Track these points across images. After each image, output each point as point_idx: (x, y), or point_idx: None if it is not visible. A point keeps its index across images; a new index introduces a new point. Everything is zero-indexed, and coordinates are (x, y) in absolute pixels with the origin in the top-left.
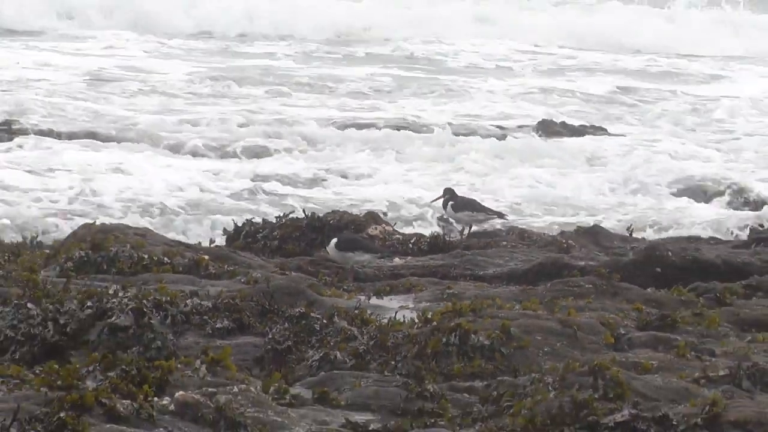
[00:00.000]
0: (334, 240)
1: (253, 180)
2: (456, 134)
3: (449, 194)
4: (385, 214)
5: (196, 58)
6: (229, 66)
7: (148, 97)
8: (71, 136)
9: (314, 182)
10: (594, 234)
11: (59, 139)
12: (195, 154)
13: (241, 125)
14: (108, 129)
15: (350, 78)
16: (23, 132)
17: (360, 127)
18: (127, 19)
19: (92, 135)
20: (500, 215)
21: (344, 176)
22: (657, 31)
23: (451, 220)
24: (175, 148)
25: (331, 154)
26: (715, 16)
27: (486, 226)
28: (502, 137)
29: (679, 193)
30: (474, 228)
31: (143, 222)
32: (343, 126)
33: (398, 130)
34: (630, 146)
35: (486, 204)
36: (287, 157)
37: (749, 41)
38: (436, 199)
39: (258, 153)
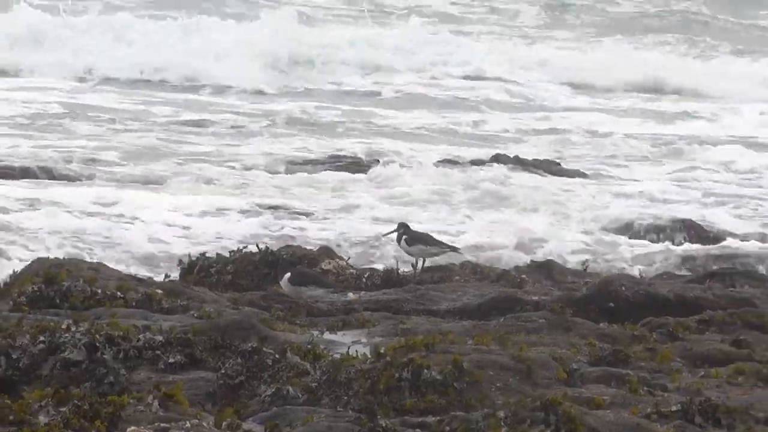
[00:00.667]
0: (287, 275)
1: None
2: None
3: (403, 228)
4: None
5: None
6: None
7: None
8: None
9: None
10: (548, 268)
11: None
12: None
13: None
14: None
15: None
16: None
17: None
18: None
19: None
20: (454, 249)
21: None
22: None
23: (405, 254)
24: None
25: None
26: None
27: (439, 260)
28: None
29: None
30: (428, 263)
31: None
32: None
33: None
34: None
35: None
36: None
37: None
38: (390, 233)
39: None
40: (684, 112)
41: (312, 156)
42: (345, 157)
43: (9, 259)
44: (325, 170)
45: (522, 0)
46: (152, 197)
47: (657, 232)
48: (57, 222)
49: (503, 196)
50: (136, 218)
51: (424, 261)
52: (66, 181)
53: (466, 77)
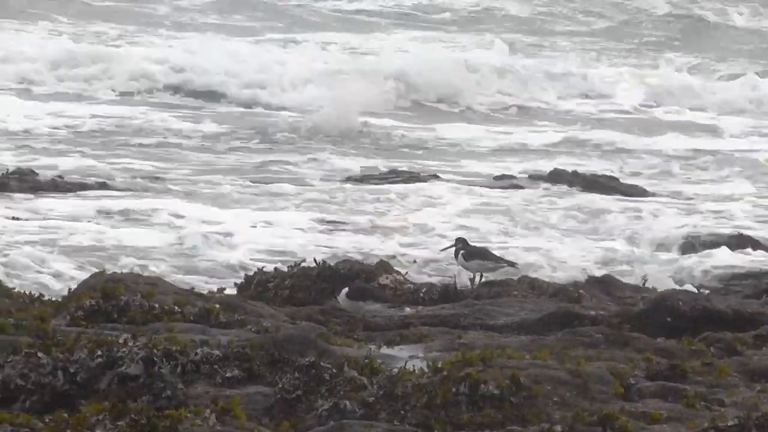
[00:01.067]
0: (345, 289)
1: None
2: None
3: (461, 243)
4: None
5: None
6: None
7: None
8: None
9: None
10: (605, 284)
11: None
12: None
13: None
14: None
15: None
16: None
17: None
18: None
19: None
20: (511, 264)
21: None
22: None
23: (462, 268)
24: None
25: None
26: None
27: (497, 275)
28: None
29: None
30: (485, 277)
31: None
32: None
33: None
34: None
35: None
36: None
37: None
38: (448, 248)
39: None
40: None
41: (378, 170)
42: (404, 171)
43: None
44: (388, 183)
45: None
46: (227, 213)
47: (714, 246)
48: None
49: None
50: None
51: (481, 276)
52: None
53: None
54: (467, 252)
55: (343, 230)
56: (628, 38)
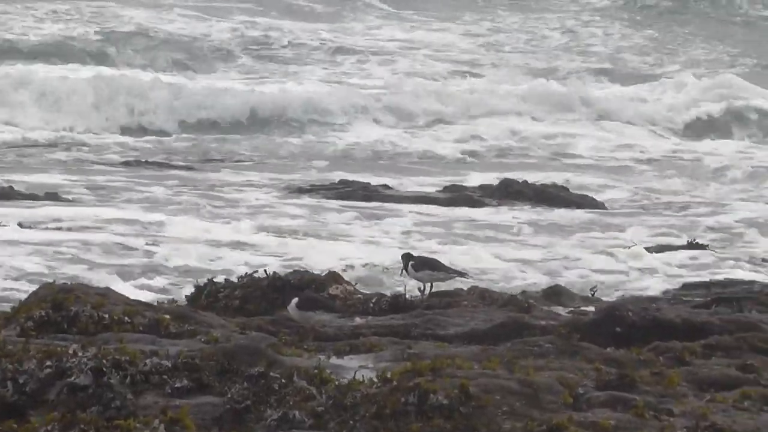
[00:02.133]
0: (295, 300)
1: None
2: None
3: (407, 258)
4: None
5: None
6: None
7: None
8: None
9: None
10: (556, 294)
11: None
12: None
13: None
14: None
15: None
16: None
17: None
18: None
19: None
20: (461, 274)
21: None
22: None
23: (412, 280)
24: None
25: None
26: None
27: (448, 284)
28: None
29: None
30: (436, 287)
31: None
32: None
33: None
34: None
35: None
36: None
37: None
38: (402, 270)
39: None
40: None
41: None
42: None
43: None
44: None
45: None
46: None
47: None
48: None
49: None
50: None
51: (431, 286)
52: None
53: None
54: (416, 262)
55: None
56: None
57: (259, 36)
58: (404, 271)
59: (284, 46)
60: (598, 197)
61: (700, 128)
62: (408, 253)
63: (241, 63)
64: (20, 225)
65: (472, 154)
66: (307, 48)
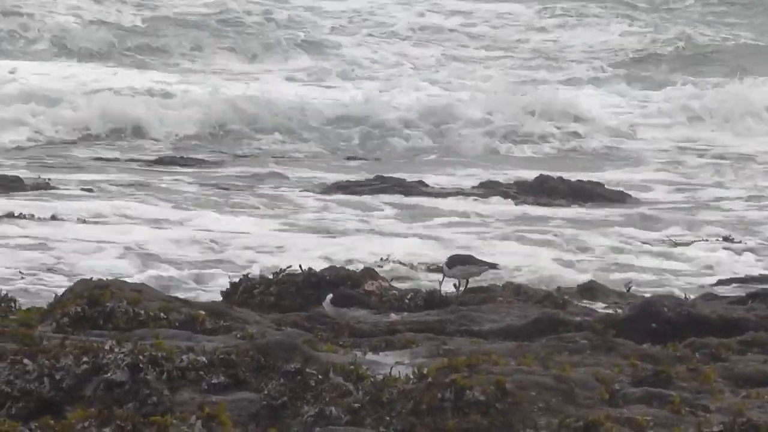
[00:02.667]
0: (330, 296)
1: None
2: None
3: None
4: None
5: None
6: None
7: None
8: None
9: None
10: (591, 290)
11: None
12: None
13: None
14: None
15: None
16: None
17: None
18: None
19: None
20: (493, 266)
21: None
22: None
23: (448, 278)
24: None
25: None
26: None
27: (482, 278)
28: None
29: None
30: (472, 283)
31: None
32: None
33: None
34: None
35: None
36: None
37: None
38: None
39: None
40: None
41: None
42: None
43: None
44: None
45: None
46: None
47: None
48: None
49: None
50: None
51: (467, 282)
52: None
53: None
54: (449, 260)
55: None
56: None
57: None
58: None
59: None
60: None
61: None
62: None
63: None
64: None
65: None
66: None
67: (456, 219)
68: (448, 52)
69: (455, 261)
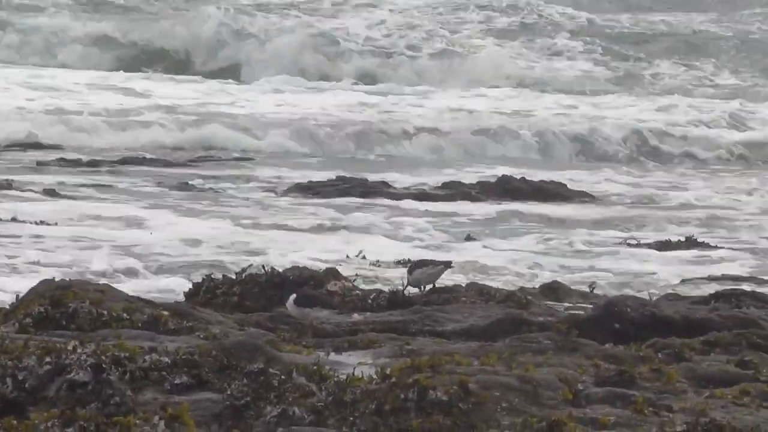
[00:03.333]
0: (293, 296)
1: None
2: None
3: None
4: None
5: None
6: None
7: None
8: None
9: None
10: (554, 290)
11: None
12: None
13: None
14: None
15: None
16: None
17: None
18: None
19: None
20: (447, 264)
21: None
22: None
23: (414, 288)
24: None
25: None
26: None
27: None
28: None
29: None
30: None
31: None
32: None
33: None
34: None
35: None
36: None
37: None
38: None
39: None
40: None
41: None
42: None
43: None
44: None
45: None
46: None
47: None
48: None
49: None
50: None
51: (433, 285)
52: None
53: None
54: (409, 267)
55: None
56: None
57: None
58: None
59: None
60: None
61: None
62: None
63: None
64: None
65: None
66: None
67: (420, 219)
68: None
69: (414, 266)
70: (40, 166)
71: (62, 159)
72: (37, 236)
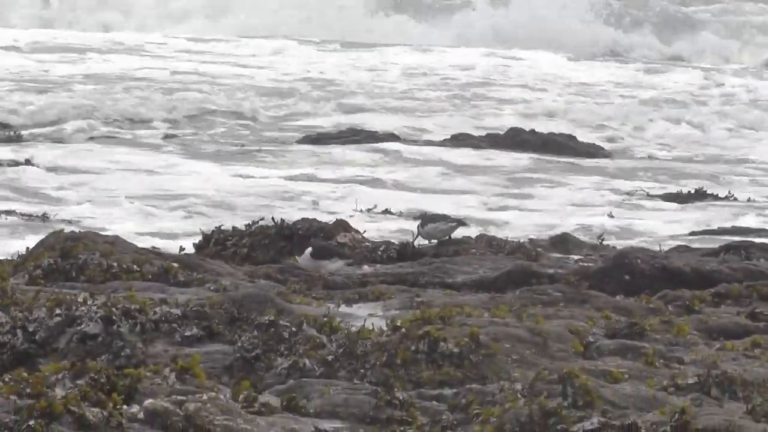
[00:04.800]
0: (309, 249)
1: None
2: None
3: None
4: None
5: None
6: None
7: None
8: None
9: None
10: (563, 242)
11: None
12: None
13: None
14: None
15: None
16: None
17: None
18: None
19: None
20: (461, 223)
21: None
22: None
23: (426, 241)
24: None
25: None
26: None
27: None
28: None
29: None
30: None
31: None
32: None
33: None
34: None
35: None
36: None
37: None
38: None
39: None
40: None
41: None
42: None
43: None
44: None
45: None
46: None
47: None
48: None
49: None
50: None
51: (449, 239)
52: None
53: None
54: (421, 220)
55: None
56: None
57: None
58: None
59: None
60: None
61: None
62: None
63: None
64: None
65: None
66: None
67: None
68: None
69: (426, 220)
70: None
71: None
72: None
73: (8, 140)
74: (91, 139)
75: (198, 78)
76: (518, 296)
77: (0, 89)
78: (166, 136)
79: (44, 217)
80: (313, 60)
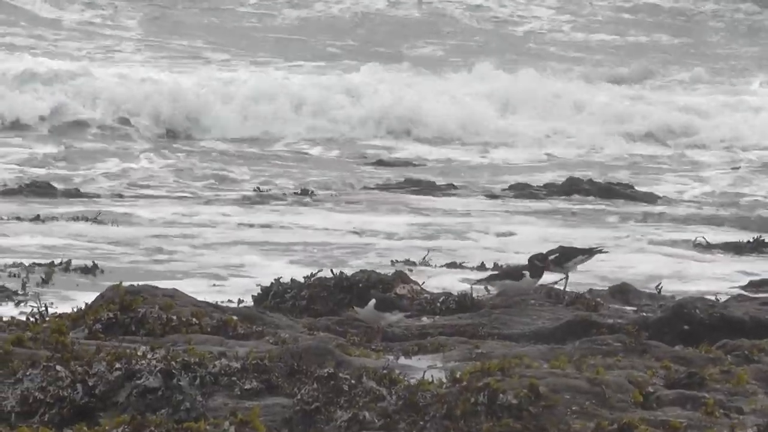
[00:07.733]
0: (372, 301)
1: None
2: None
3: (538, 260)
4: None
5: None
6: None
7: None
8: None
9: None
10: (623, 292)
11: None
12: None
13: None
14: None
15: None
16: None
17: None
18: None
19: None
20: (599, 251)
21: None
22: None
23: (563, 275)
24: None
25: None
26: None
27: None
28: None
29: None
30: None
31: None
32: None
33: None
34: None
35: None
36: None
37: None
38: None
39: None
40: None
41: None
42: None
43: None
44: None
45: None
46: None
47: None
48: None
49: None
50: None
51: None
52: None
53: None
54: (556, 258)
55: None
56: None
57: None
58: (534, 273)
59: None
60: None
61: None
62: (534, 257)
63: None
64: None
65: None
66: None
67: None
68: None
69: (562, 256)
70: None
71: None
72: None
73: None
74: None
75: None
76: (578, 347)
77: None
78: None
79: None
80: None
